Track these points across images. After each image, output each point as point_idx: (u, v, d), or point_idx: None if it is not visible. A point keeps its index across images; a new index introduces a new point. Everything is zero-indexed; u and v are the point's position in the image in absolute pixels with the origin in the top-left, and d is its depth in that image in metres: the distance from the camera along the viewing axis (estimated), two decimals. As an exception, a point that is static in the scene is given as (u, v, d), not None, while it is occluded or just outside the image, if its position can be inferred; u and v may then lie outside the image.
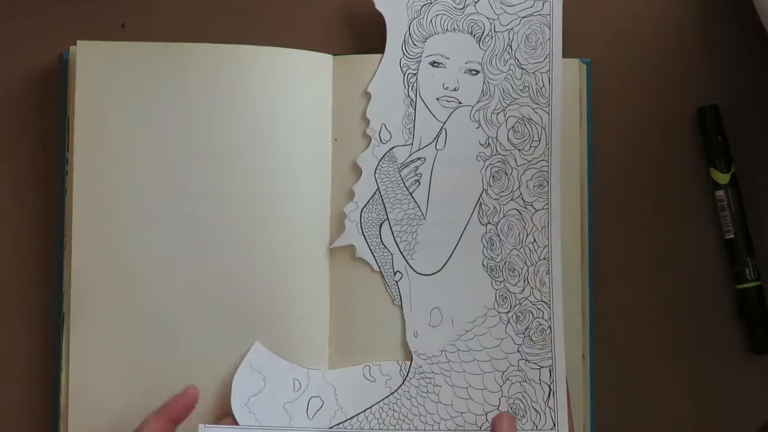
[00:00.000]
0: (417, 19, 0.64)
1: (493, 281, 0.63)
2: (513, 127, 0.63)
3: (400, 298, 0.62)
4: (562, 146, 0.63)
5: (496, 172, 0.63)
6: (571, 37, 0.65)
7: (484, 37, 0.64)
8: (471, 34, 0.64)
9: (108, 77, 0.61)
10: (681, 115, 0.65)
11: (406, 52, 0.63)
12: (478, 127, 0.63)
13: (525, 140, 0.63)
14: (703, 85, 0.65)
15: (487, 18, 0.64)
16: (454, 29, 0.64)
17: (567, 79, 0.64)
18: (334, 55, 0.63)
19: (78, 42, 0.61)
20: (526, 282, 0.62)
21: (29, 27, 0.63)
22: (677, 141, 0.65)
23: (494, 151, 0.63)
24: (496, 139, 0.63)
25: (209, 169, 0.61)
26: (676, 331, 0.64)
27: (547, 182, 0.63)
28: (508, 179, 0.63)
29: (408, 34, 0.64)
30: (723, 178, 0.64)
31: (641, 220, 0.65)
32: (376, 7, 0.63)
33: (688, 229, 0.65)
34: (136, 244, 0.60)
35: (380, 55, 0.63)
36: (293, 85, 0.62)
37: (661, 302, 0.64)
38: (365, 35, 0.65)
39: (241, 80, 0.61)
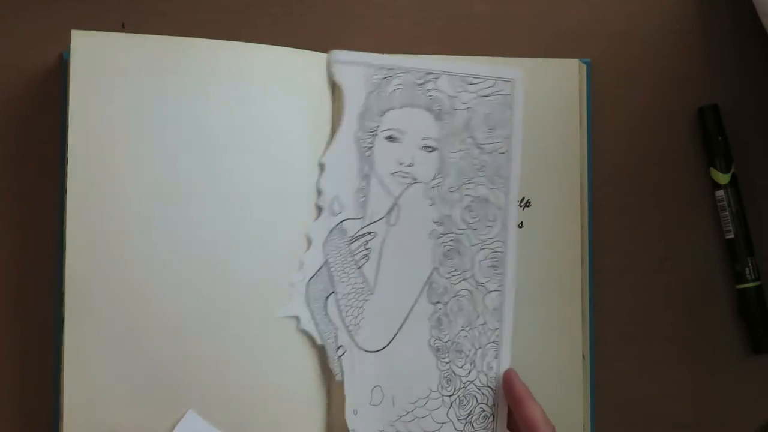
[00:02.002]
0: (375, 92, 0.62)
1: (439, 362, 0.61)
2: (468, 206, 0.62)
3: (343, 373, 0.60)
4: (562, 146, 0.63)
5: (448, 250, 0.62)
6: (571, 37, 0.65)
7: (443, 115, 0.62)
8: (429, 110, 0.63)
9: (104, 70, 0.60)
10: (681, 115, 0.65)
11: (362, 125, 0.62)
12: (432, 205, 0.62)
13: (480, 220, 0.62)
14: (703, 85, 0.65)
15: (447, 95, 0.63)
16: (412, 105, 0.63)
17: (567, 79, 0.64)
18: (334, 55, 0.63)
19: (73, 31, 0.59)
20: (472, 365, 0.61)
21: (29, 27, 0.63)
22: (677, 141, 0.65)
23: (448, 230, 0.62)
24: (450, 217, 0.62)
25: (208, 168, 0.61)
26: (676, 331, 0.64)
27: (502, 263, 0.62)
28: (461, 258, 0.62)
29: (365, 106, 0.62)
30: (723, 178, 0.64)
31: (641, 220, 0.65)
32: (334, 78, 0.62)
33: (688, 229, 0.65)
34: (134, 243, 0.60)
35: (380, 55, 0.63)
36: (291, 84, 0.62)
37: (661, 302, 0.64)
38: (365, 35, 0.65)
39: (240, 78, 0.61)
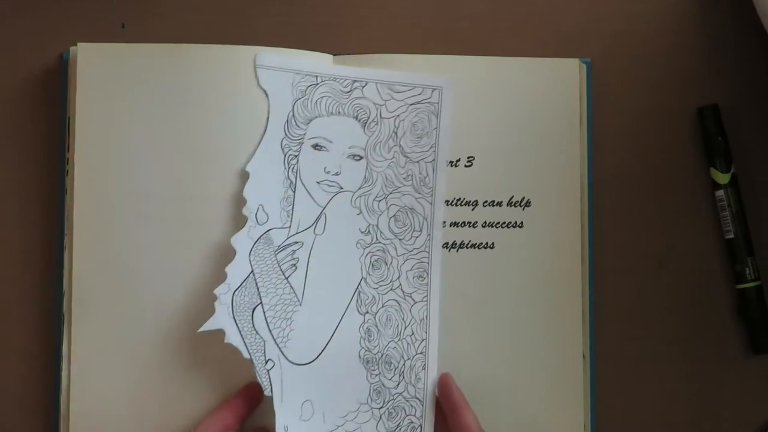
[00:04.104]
0: (302, 99, 0.61)
1: (369, 374, 0.61)
2: (395, 215, 0.62)
3: (271, 388, 0.59)
4: (562, 146, 0.63)
5: (375, 260, 0.61)
6: (571, 37, 0.65)
7: (370, 123, 0.62)
8: (356, 118, 0.62)
9: (108, 79, 0.61)
10: (681, 115, 0.65)
11: (288, 133, 0.61)
12: (359, 214, 0.61)
13: (406, 230, 0.62)
14: (703, 85, 0.65)
15: (374, 103, 0.62)
16: (339, 113, 0.62)
17: (567, 79, 0.64)
18: (334, 54, 0.63)
19: (78, 44, 0.61)
20: (401, 376, 0.61)
21: (29, 27, 0.63)
22: (677, 141, 0.65)
23: (374, 239, 0.61)
24: (377, 226, 0.61)
25: (209, 169, 0.61)
26: (676, 330, 0.64)
27: (428, 274, 0.61)
28: (388, 268, 0.61)
29: (291, 114, 0.61)
30: (723, 178, 0.64)
31: (641, 220, 0.65)
32: (260, 84, 0.61)
33: (688, 229, 0.65)
34: (137, 243, 0.60)
35: (378, 54, 0.63)
36: (293, 85, 0.62)
37: (661, 302, 0.64)
38: (365, 35, 0.65)
39: (241, 80, 0.61)
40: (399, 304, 0.61)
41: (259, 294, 0.59)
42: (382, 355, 0.61)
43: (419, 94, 0.62)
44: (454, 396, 0.59)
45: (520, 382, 0.62)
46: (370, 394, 0.61)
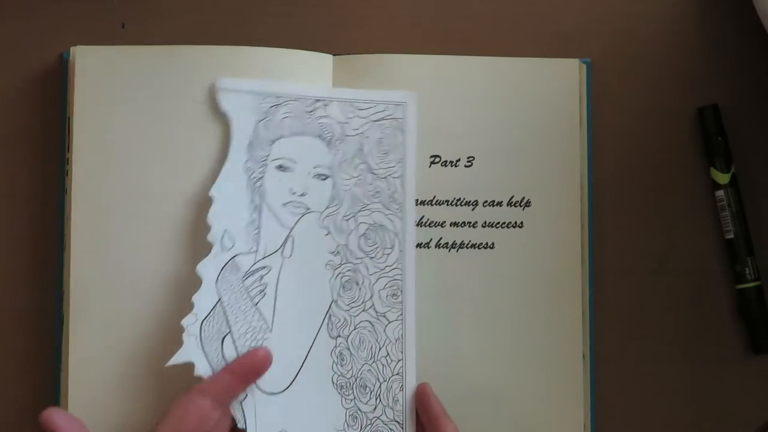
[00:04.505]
0: (264, 120, 0.60)
1: (343, 399, 0.59)
2: (364, 233, 0.60)
3: (245, 419, 0.57)
4: (562, 146, 0.63)
5: (346, 281, 0.60)
6: (571, 37, 0.65)
7: (334, 141, 0.61)
8: (320, 137, 0.61)
9: (107, 81, 0.61)
10: (681, 115, 0.65)
11: (251, 155, 0.60)
12: (327, 234, 0.60)
13: (377, 247, 0.60)
14: (703, 85, 0.65)
15: (338, 122, 0.61)
16: (302, 133, 0.61)
17: (567, 79, 0.64)
18: (334, 55, 0.63)
19: (76, 47, 0.61)
20: (378, 400, 0.59)
21: (29, 27, 0.63)
22: (677, 141, 0.65)
23: (344, 259, 0.60)
24: (347, 246, 0.60)
25: (209, 170, 0.61)
26: (676, 331, 0.64)
27: (401, 291, 0.60)
28: (360, 288, 0.60)
29: (254, 135, 0.60)
30: (723, 178, 0.64)
31: (641, 220, 0.65)
32: (220, 107, 0.60)
33: (688, 229, 0.65)
34: (135, 244, 0.60)
35: (379, 54, 0.63)
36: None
37: (661, 302, 0.64)
38: (365, 35, 0.65)
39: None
40: (372, 325, 0.60)
41: (228, 322, 0.58)
42: (356, 379, 0.60)
43: (383, 111, 0.61)
44: (432, 406, 0.59)
45: (520, 382, 0.62)
46: (346, 420, 0.59)
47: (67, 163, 0.61)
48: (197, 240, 0.60)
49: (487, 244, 0.63)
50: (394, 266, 0.60)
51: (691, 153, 0.65)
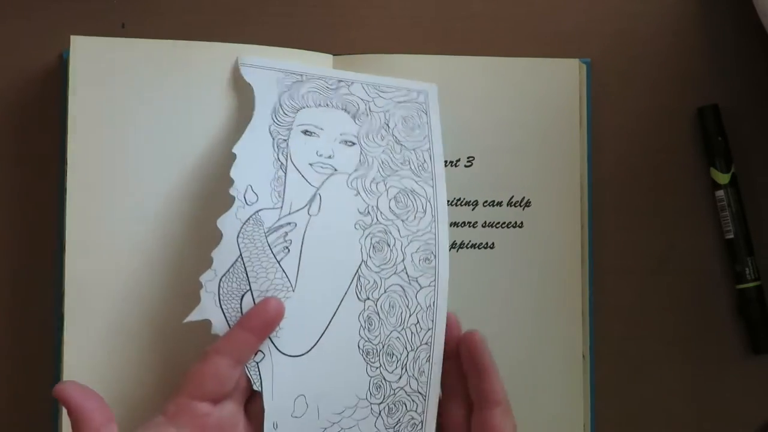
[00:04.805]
0: (287, 92, 0.58)
1: (369, 367, 0.56)
2: (395, 197, 0.58)
3: (261, 382, 0.54)
4: (562, 146, 0.63)
5: (377, 242, 0.57)
6: (571, 37, 0.65)
7: (359, 115, 0.59)
8: (345, 110, 0.59)
9: (104, 73, 0.60)
10: (681, 115, 0.65)
11: (275, 120, 0.58)
12: (356, 195, 0.57)
13: (408, 211, 0.58)
14: (703, 85, 0.65)
15: (362, 99, 0.59)
16: (327, 105, 0.59)
17: (567, 79, 0.64)
18: (334, 55, 0.63)
19: (72, 37, 0.60)
20: (404, 369, 0.56)
21: (29, 27, 0.63)
22: (677, 141, 0.65)
23: (375, 220, 0.57)
24: (377, 207, 0.57)
25: (208, 169, 0.61)
26: (676, 330, 0.64)
27: (435, 256, 0.57)
28: (391, 251, 0.57)
29: (278, 103, 0.58)
30: (723, 178, 0.64)
31: (641, 220, 0.65)
32: (244, 78, 0.58)
33: (688, 229, 0.65)
34: (134, 244, 0.60)
35: (378, 54, 0.63)
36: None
37: (661, 302, 0.64)
38: (365, 35, 0.65)
39: (241, 78, 0.61)
40: (404, 290, 0.57)
41: (248, 279, 0.55)
42: (383, 346, 0.56)
43: (405, 95, 0.60)
44: (485, 357, 0.55)
45: (519, 381, 0.62)
46: (369, 389, 0.56)
47: (67, 163, 0.61)
48: (201, 238, 0.60)
49: (487, 244, 0.63)
50: (426, 230, 0.57)
51: (691, 153, 0.65)
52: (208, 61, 0.61)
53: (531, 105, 0.64)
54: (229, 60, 0.61)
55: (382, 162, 0.58)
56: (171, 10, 0.64)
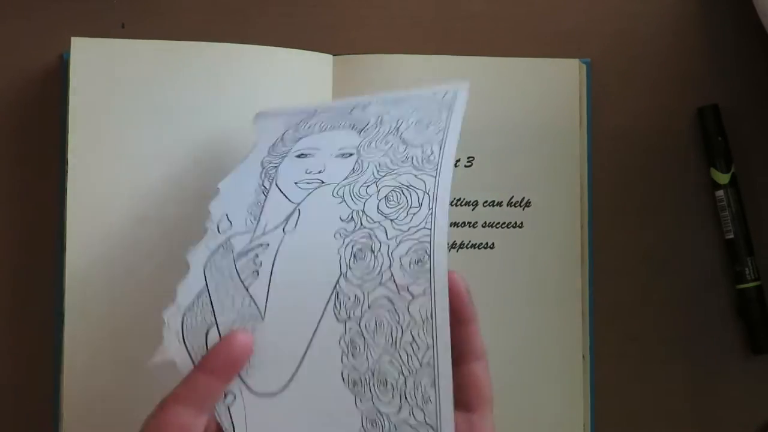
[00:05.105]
0: (293, 128, 0.54)
1: (358, 400, 0.47)
2: (386, 196, 0.49)
3: (233, 428, 0.47)
4: (562, 146, 0.63)
5: (358, 249, 0.47)
6: (571, 37, 0.65)
7: (368, 129, 0.52)
8: (353, 128, 0.53)
9: (104, 74, 0.61)
10: (681, 115, 0.65)
11: (271, 152, 0.53)
12: (340, 203, 0.49)
13: (400, 208, 0.48)
14: (703, 85, 0.65)
15: (375, 114, 0.53)
16: (333, 128, 0.53)
17: (567, 79, 0.64)
18: (334, 55, 0.63)
19: (73, 39, 0.61)
20: (403, 399, 0.46)
21: (29, 27, 0.63)
22: (677, 141, 0.65)
23: (358, 225, 0.48)
24: (363, 211, 0.48)
25: (208, 169, 0.61)
26: (676, 331, 0.64)
27: (429, 256, 0.46)
28: (375, 257, 0.47)
29: (280, 139, 0.54)
30: (723, 178, 0.64)
31: (641, 220, 0.65)
32: (255, 126, 0.55)
33: (688, 229, 0.65)
34: (134, 243, 0.60)
35: (378, 55, 0.62)
36: (293, 85, 0.62)
37: (661, 302, 0.64)
38: (365, 35, 0.65)
39: (241, 80, 0.61)
40: (392, 302, 0.47)
41: (213, 312, 0.48)
42: (373, 374, 0.47)
43: (428, 98, 0.54)
44: (463, 305, 0.48)
45: (519, 381, 0.62)
46: (363, 425, 0.47)
47: (67, 163, 0.61)
48: (200, 238, 0.60)
49: (487, 244, 0.63)
50: (420, 226, 0.47)
51: (691, 153, 0.65)
52: (208, 61, 0.61)
53: (531, 105, 0.64)
54: (228, 60, 0.61)
55: (379, 165, 0.51)
56: (171, 10, 0.64)
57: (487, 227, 0.63)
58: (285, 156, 0.52)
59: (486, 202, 0.63)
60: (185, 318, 0.49)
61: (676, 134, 0.65)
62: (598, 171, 0.64)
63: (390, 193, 0.49)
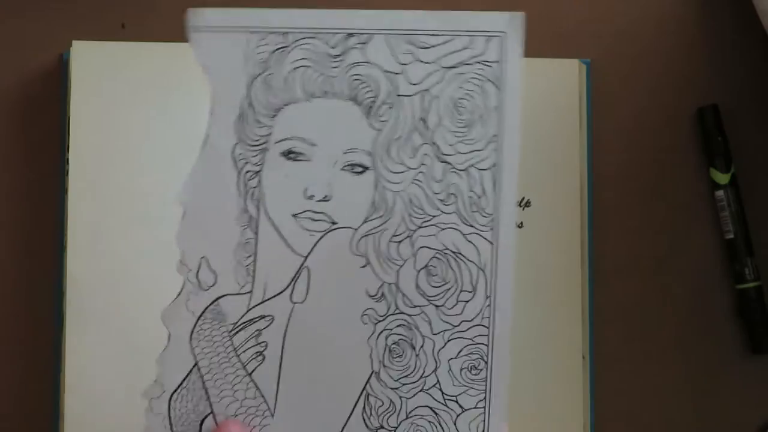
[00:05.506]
0: (263, 75, 0.40)
1: None
2: (427, 266, 0.40)
3: None
4: (562, 146, 0.63)
5: (395, 344, 0.40)
6: (571, 37, 0.65)
7: (379, 107, 0.39)
8: (355, 101, 0.40)
9: (105, 77, 0.61)
10: (681, 115, 0.65)
11: (242, 135, 0.40)
12: (365, 266, 0.39)
13: (447, 289, 0.40)
14: (703, 85, 0.65)
15: (384, 72, 0.39)
16: (325, 93, 0.40)
17: (567, 79, 0.64)
18: (334, 55, 0.63)
19: (73, 42, 0.61)
20: None
21: (29, 27, 0.63)
22: (677, 141, 0.65)
23: (393, 308, 0.39)
24: (397, 286, 0.39)
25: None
26: (676, 331, 0.64)
27: (486, 362, 0.40)
28: (417, 356, 0.40)
29: (247, 101, 0.40)
30: (723, 178, 0.64)
31: (641, 220, 0.65)
32: (198, 60, 0.41)
33: (688, 229, 0.65)
34: (135, 244, 0.60)
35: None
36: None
37: (661, 302, 0.64)
38: (365, 35, 0.65)
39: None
40: (436, 414, 0.40)
41: (208, 398, 0.40)
42: None
43: (464, 49, 0.40)
44: None
45: (520, 382, 0.62)
46: None
47: (67, 164, 0.61)
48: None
49: (487, 244, 0.63)
50: (474, 321, 0.40)
51: (691, 153, 0.65)
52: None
53: (531, 105, 0.63)
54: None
55: (410, 201, 0.40)
56: (171, 10, 0.64)
57: (487, 227, 0.63)
58: (264, 150, 0.40)
59: (486, 202, 0.63)
60: (173, 402, 0.42)
61: (676, 134, 0.65)
62: (598, 171, 0.64)
63: (432, 263, 0.40)
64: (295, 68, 0.40)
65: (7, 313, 0.62)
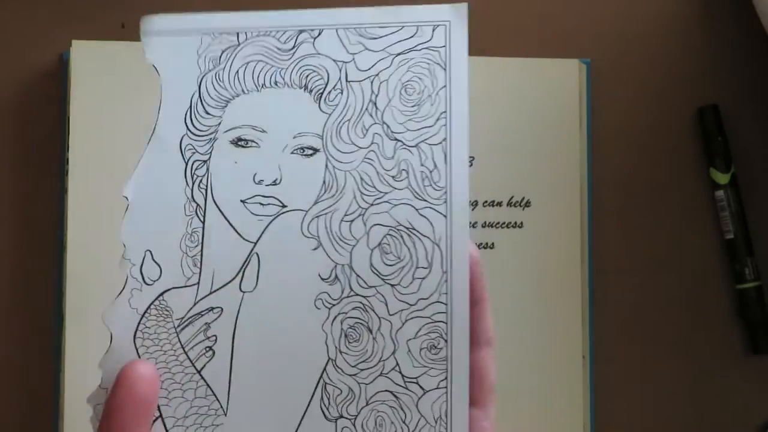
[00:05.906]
0: (213, 72, 0.39)
1: None
2: (380, 244, 0.38)
3: None
4: (562, 146, 0.63)
5: (350, 328, 0.38)
6: (571, 37, 0.65)
7: (330, 93, 0.39)
8: (305, 88, 0.39)
9: (105, 77, 0.61)
10: (681, 115, 0.65)
11: (191, 125, 0.39)
12: (316, 248, 0.38)
13: (402, 267, 0.38)
14: (703, 85, 0.65)
15: (334, 60, 0.39)
16: (276, 84, 0.39)
17: (567, 79, 0.64)
18: (334, 55, 0.63)
19: (73, 42, 0.61)
20: None
21: (29, 27, 0.63)
22: (677, 141, 0.65)
23: (347, 290, 0.38)
24: (351, 267, 0.38)
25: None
26: (676, 331, 0.64)
27: (446, 340, 0.38)
28: (374, 339, 0.38)
29: (198, 96, 0.39)
30: (723, 178, 0.64)
31: (641, 220, 0.65)
32: (149, 61, 0.40)
33: (688, 229, 0.65)
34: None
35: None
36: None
37: (661, 302, 0.64)
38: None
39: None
40: (396, 398, 0.38)
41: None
42: None
43: (411, 37, 0.39)
44: (478, 286, 0.40)
45: (519, 382, 0.62)
46: None
47: (67, 163, 0.61)
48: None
49: (487, 244, 0.63)
50: (432, 299, 0.38)
51: (691, 153, 0.65)
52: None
53: (531, 105, 0.64)
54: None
55: (362, 179, 0.39)
56: (171, 11, 0.64)
57: (487, 227, 0.63)
58: (213, 139, 0.39)
59: (486, 202, 0.63)
60: None
61: (676, 134, 0.65)
62: (598, 171, 0.64)
63: (385, 240, 0.38)
64: (245, 63, 0.39)
65: (7, 313, 0.62)
